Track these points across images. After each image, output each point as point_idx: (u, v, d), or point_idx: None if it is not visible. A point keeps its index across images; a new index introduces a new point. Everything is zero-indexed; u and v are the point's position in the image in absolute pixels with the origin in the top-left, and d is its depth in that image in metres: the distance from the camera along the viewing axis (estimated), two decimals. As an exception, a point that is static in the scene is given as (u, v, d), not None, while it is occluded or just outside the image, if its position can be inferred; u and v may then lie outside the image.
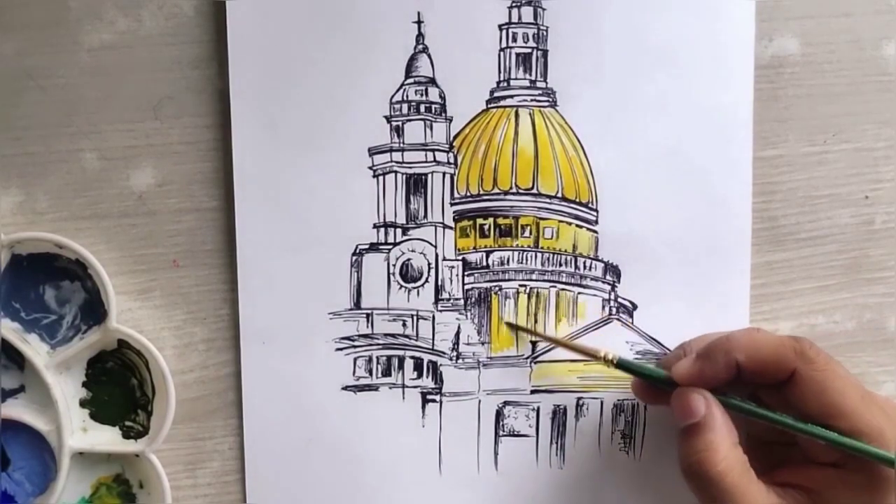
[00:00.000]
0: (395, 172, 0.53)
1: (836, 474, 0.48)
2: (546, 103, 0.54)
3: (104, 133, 0.53)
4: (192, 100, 0.53)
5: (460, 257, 0.54)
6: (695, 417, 0.48)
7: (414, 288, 0.54)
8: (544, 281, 0.54)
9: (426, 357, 0.54)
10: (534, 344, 0.54)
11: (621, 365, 0.51)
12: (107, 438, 0.54)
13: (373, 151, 0.53)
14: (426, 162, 0.54)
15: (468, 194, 0.54)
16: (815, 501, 0.48)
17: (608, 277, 0.54)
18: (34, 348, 0.53)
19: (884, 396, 0.51)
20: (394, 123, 0.53)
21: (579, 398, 0.55)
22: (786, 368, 0.48)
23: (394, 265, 0.54)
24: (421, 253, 0.54)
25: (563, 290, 0.54)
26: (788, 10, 0.54)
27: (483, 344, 0.54)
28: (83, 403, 0.54)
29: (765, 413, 0.49)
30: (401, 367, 0.54)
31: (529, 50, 0.53)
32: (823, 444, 0.48)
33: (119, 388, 0.54)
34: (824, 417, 0.47)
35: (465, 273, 0.54)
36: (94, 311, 0.53)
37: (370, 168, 0.53)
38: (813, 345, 0.48)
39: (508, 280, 0.54)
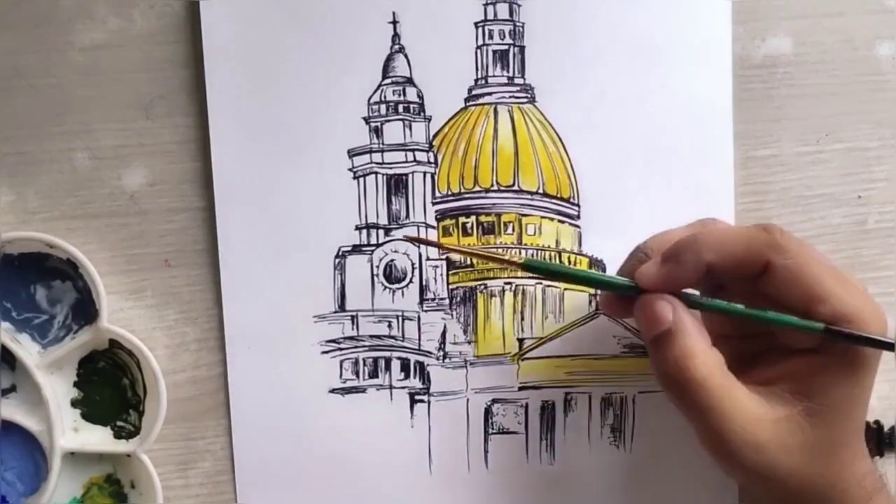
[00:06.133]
0: (376, 173, 0.53)
1: (818, 360, 0.45)
2: (524, 100, 0.54)
3: (95, 132, 0.53)
4: (184, 99, 0.53)
5: (444, 256, 0.54)
6: (664, 325, 0.45)
7: (398, 289, 0.54)
8: (530, 278, 0.54)
9: (413, 357, 0.54)
10: (521, 341, 0.54)
11: (532, 268, 0.48)
12: (98, 438, 0.54)
13: (352, 153, 0.53)
14: (406, 162, 0.54)
15: (449, 193, 0.54)
16: (799, 391, 0.45)
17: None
18: (25, 348, 0.53)
19: (855, 278, 0.47)
20: (372, 124, 0.53)
21: (567, 393, 0.54)
22: (758, 262, 0.45)
23: (377, 266, 0.54)
24: (404, 253, 0.54)
25: (548, 286, 0.54)
26: (781, 9, 0.54)
27: (469, 343, 0.54)
28: (74, 403, 0.54)
29: (740, 310, 0.46)
30: (388, 368, 0.54)
31: (506, 47, 0.53)
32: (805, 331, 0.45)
33: (110, 387, 0.54)
34: (804, 303, 0.45)
35: (450, 272, 0.54)
36: (86, 310, 0.53)
37: (350, 170, 0.53)
38: (783, 232, 0.45)
39: (494, 278, 0.54)
